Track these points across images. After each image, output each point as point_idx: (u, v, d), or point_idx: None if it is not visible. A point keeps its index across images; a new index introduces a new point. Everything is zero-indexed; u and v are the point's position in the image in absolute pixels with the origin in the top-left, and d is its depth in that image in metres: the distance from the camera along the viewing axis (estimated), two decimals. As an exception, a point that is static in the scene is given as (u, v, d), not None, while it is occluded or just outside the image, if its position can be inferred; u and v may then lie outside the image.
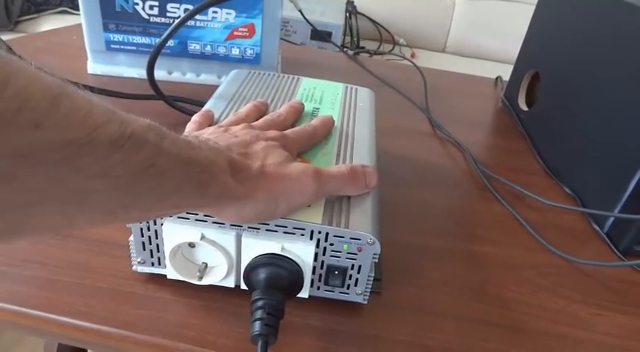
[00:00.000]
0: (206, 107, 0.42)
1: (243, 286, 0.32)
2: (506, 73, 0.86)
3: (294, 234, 0.31)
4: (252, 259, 0.31)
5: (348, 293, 0.33)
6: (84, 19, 0.63)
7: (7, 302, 0.32)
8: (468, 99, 0.80)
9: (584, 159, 0.52)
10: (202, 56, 0.67)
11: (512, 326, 0.35)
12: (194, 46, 0.66)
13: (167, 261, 0.32)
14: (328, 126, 0.41)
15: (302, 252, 0.31)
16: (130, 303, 0.33)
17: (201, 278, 0.32)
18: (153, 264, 0.34)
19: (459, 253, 0.42)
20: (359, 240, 0.31)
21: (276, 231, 0.31)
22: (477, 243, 0.44)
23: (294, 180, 0.30)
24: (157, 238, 0.32)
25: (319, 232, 0.30)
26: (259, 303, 0.28)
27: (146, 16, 0.63)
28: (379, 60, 1.40)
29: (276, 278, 0.30)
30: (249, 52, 0.67)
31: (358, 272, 0.32)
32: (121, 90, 0.56)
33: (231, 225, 0.31)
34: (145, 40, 0.65)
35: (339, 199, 0.33)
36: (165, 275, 0.33)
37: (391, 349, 0.32)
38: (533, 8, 0.71)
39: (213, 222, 0.31)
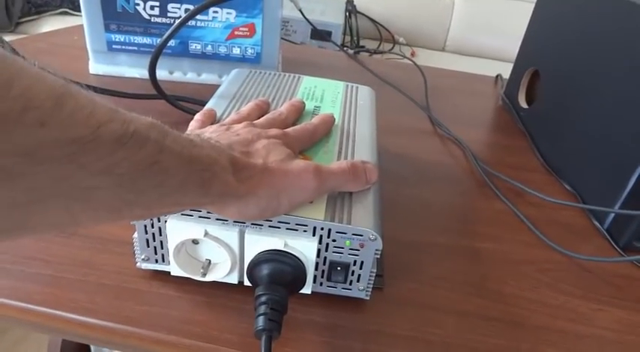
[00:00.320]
0: (207, 106, 0.43)
1: (247, 282, 0.32)
2: (505, 71, 0.87)
3: (297, 230, 0.31)
4: (256, 255, 0.31)
5: (350, 289, 0.34)
6: (85, 20, 0.63)
7: (13, 298, 0.32)
8: (468, 98, 0.80)
9: (584, 156, 0.52)
10: (203, 56, 0.67)
11: (512, 321, 0.36)
12: (195, 46, 0.66)
13: (171, 258, 0.32)
14: (329, 124, 0.41)
15: (305, 248, 0.31)
16: (134, 300, 0.33)
17: (204, 274, 0.33)
18: (157, 261, 0.34)
19: (459, 249, 0.43)
20: (361, 236, 0.31)
21: (279, 228, 0.31)
22: (478, 239, 0.44)
23: (296, 177, 0.30)
24: (160, 235, 0.32)
25: (322, 228, 0.31)
26: (263, 299, 0.29)
27: (147, 17, 0.63)
28: (379, 59, 1.40)
29: (279, 274, 0.30)
30: (249, 51, 0.67)
31: (360, 268, 0.32)
32: (122, 90, 0.57)
33: (235, 221, 0.31)
34: (146, 40, 0.65)
35: (340, 195, 0.33)
36: (169, 272, 0.34)
37: (393, 344, 0.33)
38: (532, 6, 0.72)
39: (217, 219, 0.31)
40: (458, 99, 0.79)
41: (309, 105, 0.45)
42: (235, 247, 0.32)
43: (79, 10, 0.62)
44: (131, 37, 0.65)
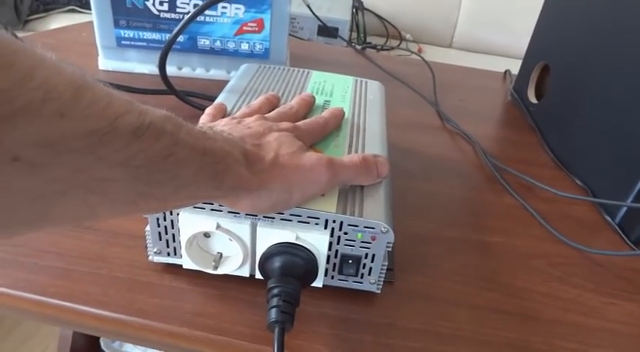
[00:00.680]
0: (218, 101, 0.43)
1: (258, 275, 0.32)
2: (513, 67, 0.86)
3: (309, 223, 0.31)
4: (267, 248, 0.31)
5: (361, 283, 0.34)
6: (95, 16, 0.63)
7: (27, 291, 0.32)
8: (477, 93, 0.80)
9: (595, 151, 0.52)
10: (212, 51, 0.67)
11: (524, 314, 0.36)
12: (204, 42, 0.66)
13: (183, 251, 0.33)
14: (339, 117, 0.41)
15: (316, 240, 0.31)
16: (146, 293, 0.33)
17: (216, 267, 0.33)
18: (169, 254, 0.34)
19: (470, 243, 0.42)
20: (373, 228, 0.31)
21: (291, 220, 0.31)
22: (488, 233, 0.44)
23: (308, 170, 0.30)
24: (172, 228, 0.33)
25: (333, 221, 0.31)
26: (275, 291, 0.29)
27: (156, 12, 0.63)
28: (386, 55, 1.40)
29: (291, 266, 0.30)
30: (258, 47, 0.67)
31: (372, 261, 0.32)
32: (132, 86, 0.57)
33: (246, 214, 0.31)
34: (156, 35, 0.65)
35: (352, 188, 0.33)
36: (181, 265, 0.34)
37: (404, 337, 0.33)
38: (540, 1, 0.71)
39: (229, 212, 0.31)
40: (466, 94, 0.78)
41: (319, 100, 0.45)
42: (247, 240, 0.32)
43: (87, 8, 0.63)
44: (140, 33, 0.65)
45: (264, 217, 0.31)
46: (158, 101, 0.58)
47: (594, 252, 0.42)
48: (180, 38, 0.65)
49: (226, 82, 0.49)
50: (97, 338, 0.80)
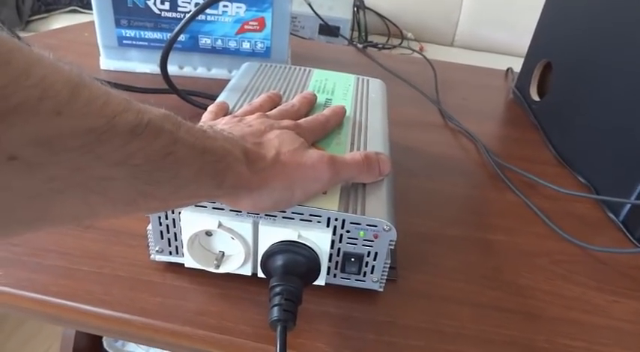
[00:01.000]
0: (220, 99, 0.43)
1: (260, 274, 0.32)
2: (515, 66, 0.86)
3: (311, 221, 0.31)
4: (270, 246, 0.31)
5: (364, 281, 0.34)
6: (96, 16, 0.63)
7: (29, 290, 0.32)
8: (479, 91, 0.80)
9: (598, 148, 0.52)
10: (213, 50, 0.67)
11: (527, 312, 0.35)
12: (205, 41, 0.66)
13: (185, 250, 0.32)
14: (340, 115, 0.41)
15: (319, 239, 0.31)
16: (149, 291, 0.33)
17: (218, 266, 0.33)
18: (171, 253, 0.34)
19: (472, 241, 0.42)
20: (375, 226, 0.31)
21: (293, 219, 0.31)
22: (491, 231, 0.44)
23: (309, 168, 0.30)
24: (174, 227, 0.33)
25: (336, 219, 0.31)
26: (277, 289, 0.29)
27: (157, 12, 0.63)
28: (388, 53, 1.40)
29: (293, 265, 0.30)
30: (259, 45, 0.67)
31: (374, 259, 0.32)
32: (134, 85, 0.57)
33: (248, 213, 0.31)
34: (157, 35, 0.65)
35: (354, 186, 0.33)
36: (183, 264, 0.34)
37: (407, 335, 0.32)
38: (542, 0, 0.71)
39: (231, 210, 0.31)
40: (468, 92, 0.78)
41: (321, 98, 0.45)
42: (249, 238, 0.32)
43: (88, 8, 0.63)
44: (141, 32, 0.65)
45: (266, 215, 0.31)
46: (160, 100, 0.57)
47: (598, 249, 0.42)
48: (182, 37, 0.65)
49: (228, 80, 0.49)
50: (100, 338, 0.80)
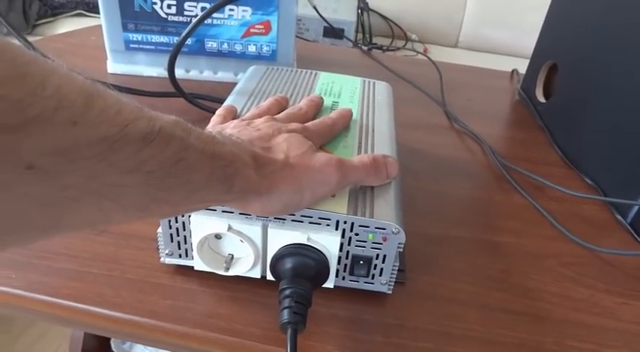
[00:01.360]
0: (227, 102, 0.43)
1: (269, 277, 0.33)
2: (520, 67, 0.86)
3: (320, 224, 0.31)
4: (279, 249, 0.31)
5: (372, 283, 0.34)
6: (104, 20, 0.64)
7: (40, 292, 0.33)
8: (484, 93, 0.80)
9: (606, 149, 0.51)
10: (219, 54, 0.67)
11: (535, 314, 0.35)
12: (211, 44, 0.67)
13: (194, 253, 0.33)
14: (347, 118, 0.41)
15: (328, 242, 0.31)
16: (159, 294, 0.33)
17: (227, 269, 0.33)
18: (180, 256, 0.34)
19: (480, 243, 0.42)
20: (384, 229, 0.31)
21: (302, 222, 0.31)
22: (498, 233, 0.44)
23: (318, 171, 0.30)
24: (184, 230, 0.33)
25: (344, 222, 0.31)
26: (287, 292, 0.29)
27: (164, 16, 0.64)
28: (393, 55, 1.40)
29: (302, 267, 0.30)
30: (265, 48, 0.67)
31: (383, 262, 0.32)
32: (141, 89, 0.57)
33: (258, 216, 0.31)
34: (164, 39, 0.66)
35: (362, 189, 0.34)
36: (193, 267, 0.34)
37: (415, 337, 0.33)
38: (547, 0, 0.71)
39: (240, 214, 0.31)
40: (473, 94, 0.78)
41: (328, 101, 0.45)
42: (258, 241, 0.32)
43: (94, 12, 0.64)
44: (148, 36, 0.65)
45: (276, 218, 0.31)
46: (167, 104, 0.58)
47: (606, 251, 0.42)
48: (189, 41, 0.65)
49: (234, 84, 0.49)
50: (108, 339, 0.81)
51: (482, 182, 0.52)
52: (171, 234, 0.33)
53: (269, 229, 0.31)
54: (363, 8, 1.84)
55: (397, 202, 0.33)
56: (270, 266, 0.32)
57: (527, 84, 0.75)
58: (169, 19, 0.64)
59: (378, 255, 0.32)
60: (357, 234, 0.31)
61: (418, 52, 1.23)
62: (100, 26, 0.65)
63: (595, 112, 0.55)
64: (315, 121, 0.38)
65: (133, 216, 0.22)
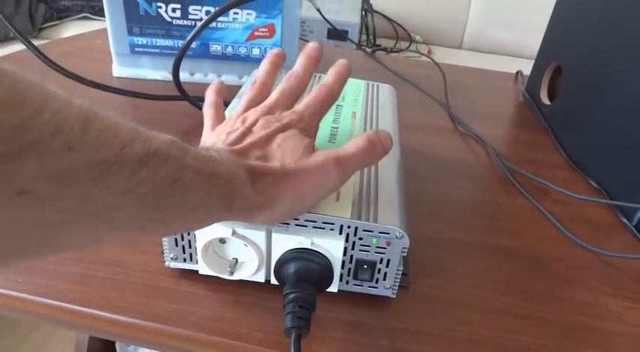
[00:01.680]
0: (231, 106, 0.43)
1: (273, 281, 0.33)
2: (524, 68, 0.86)
3: (324, 228, 0.31)
4: (283, 254, 0.31)
5: (376, 288, 0.34)
6: (109, 24, 0.64)
7: (46, 296, 0.33)
8: (488, 95, 0.80)
9: (611, 152, 0.51)
10: (224, 57, 0.68)
11: (540, 318, 0.35)
12: (216, 47, 0.67)
13: (199, 257, 0.33)
14: (344, 75, 0.38)
15: (331, 246, 0.31)
16: (163, 298, 0.33)
17: (232, 273, 0.33)
18: (185, 260, 0.34)
19: (484, 246, 0.42)
20: (388, 234, 0.31)
21: (306, 226, 0.31)
22: (502, 236, 0.44)
23: (317, 173, 0.30)
24: (189, 234, 0.33)
25: (348, 227, 0.31)
26: (291, 297, 0.29)
27: (169, 19, 0.64)
28: (396, 57, 1.40)
29: (306, 272, 0.31)
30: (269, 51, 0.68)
31: (387, 266, 0.32)
32: (146, 92, 0.58)
33: (262, 221, 0.31)
34: (168, 42, 0.66)
35: (366, 194, 0.34)
36: (197, 271, 0.34)
37: (420, 341, 0.33)
38: (551, 1, 0.71)
39: (244, 218, 0.31)
40: (477, 96, 0.78)
41: (331, 105, 0.45)
42: (262, 246, 0.32)
43: (100, 15, 0.64)
44: (153, 40, 0.66)
45: (280, 223, 0.31)
46: (171, 107, 0.59)
47: (611, 254, 0.42)
48: (193, 44, 0.65)
49: (238, 87, 0.49)
50: (113, 342, 0.81)
51: (486, 184, 0.52)
52: (175, 239, 0.33)
53: (273, 234, 0.31)
54: (367, 10, 1.84)
55: (401, 206, 0.33)
56: (275, 270, 0.32)
57: (532, 86, 0.74)
58: (174, 22, 0.64)
59: (381, 260, 0.32)
60: (360, 239, 0.31)
61: (422, 54, 1.22)
62: (105, 30, 0.66)
63: (600, 114, 0.55)
64: (309, 98, 0.35)
65: (128, 236, 0.22)
